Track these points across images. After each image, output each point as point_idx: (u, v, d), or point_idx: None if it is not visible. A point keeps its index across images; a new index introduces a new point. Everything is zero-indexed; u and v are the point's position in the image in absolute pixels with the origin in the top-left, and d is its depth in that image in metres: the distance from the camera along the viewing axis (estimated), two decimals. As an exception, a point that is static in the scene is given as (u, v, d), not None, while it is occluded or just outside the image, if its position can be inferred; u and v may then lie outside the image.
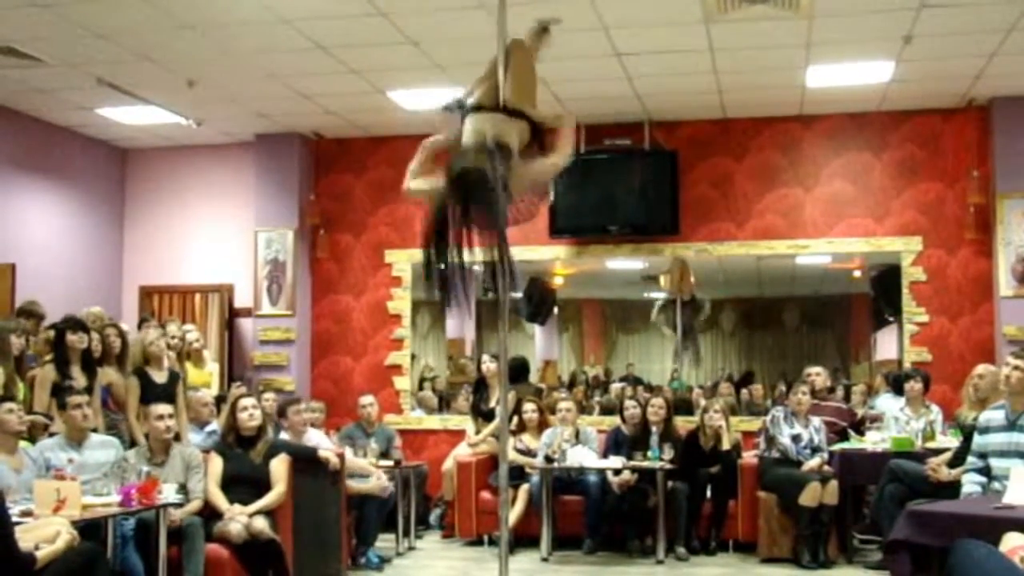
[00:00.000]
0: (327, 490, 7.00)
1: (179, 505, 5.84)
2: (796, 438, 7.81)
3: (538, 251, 9.57)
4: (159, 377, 7.12)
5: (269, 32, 7.12)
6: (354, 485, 7.44)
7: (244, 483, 6.31)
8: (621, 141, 9.47)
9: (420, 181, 4.36)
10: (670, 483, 7.87)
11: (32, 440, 6.01)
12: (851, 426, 8.30)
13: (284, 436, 7.48)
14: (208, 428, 7.63)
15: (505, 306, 4.35)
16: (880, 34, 7.25)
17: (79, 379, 6.66)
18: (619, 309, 10.79)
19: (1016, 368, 5.68)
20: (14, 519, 4.62)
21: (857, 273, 9.73)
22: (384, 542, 7.93)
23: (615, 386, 10.33)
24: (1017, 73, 8.11)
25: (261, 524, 6.04)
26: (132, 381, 7.07)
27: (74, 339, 6.75)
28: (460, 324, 10.51)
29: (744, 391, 10.14)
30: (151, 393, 6.92)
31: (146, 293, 10.43)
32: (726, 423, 8.23)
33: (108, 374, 7.14)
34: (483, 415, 8.83)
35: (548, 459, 8.02)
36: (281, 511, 6.38)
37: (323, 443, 7.55)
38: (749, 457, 8.23)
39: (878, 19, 6.94)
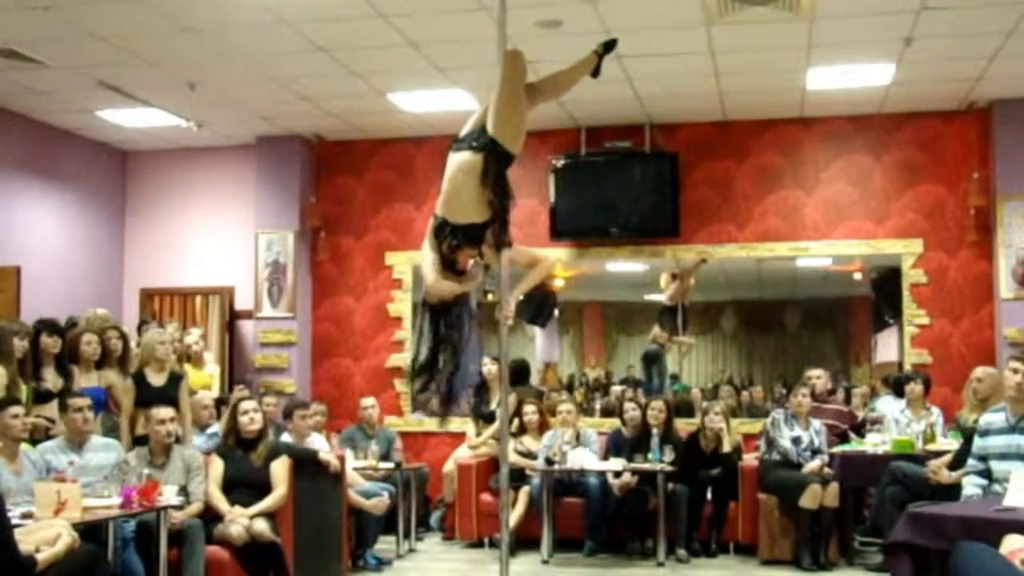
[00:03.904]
0: (328, 493, 7.00)
1: (180, 507, 5.84)
2: (797, 440, 7.81)
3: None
4: (156, 380, 7.10)
5: (270, 35, 7.13)
6: (354, 497, 7.43)
7: (245, 485, 6.33)
8: (622, 143, 9.47)
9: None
10: (670, 485, 7.87)
11: (33, 443, 6.02)
12: (851, 428, 8.30)
13: (286, 438, 7.48)
14: (209, 430, 7.63)
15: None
16: (880, 36, 7.25)
17: (51, 381, 6.67)
18: (620, 311, 10.78)
19: (1013, 370, 5.67)
20: (15, 522, 4.62)
21: (858, 275, 9.73)
22: (384, 544, 7.93)
23: (615, 388, 10.32)
24: (1018, 75, 8.11)
25: (262, 526, 6.05)
26: (128, 384, 7.08)
27: (48, 342, 6.78)
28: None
29: (744, 393, 10.14)
30: (147, 396, 6.92)
31: (147, 295, 10.44)
32: (727, 425, 8.24)
33: (108, 376, 7.15)
34: (484, 417, 8.84)
35: (549, 461, 8.02)
36: (282, 513, 6.39)
37: (322, 448, 7.54)
38: (750, 459, 8.24)
39: (878, 21, 6.95)
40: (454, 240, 4.29)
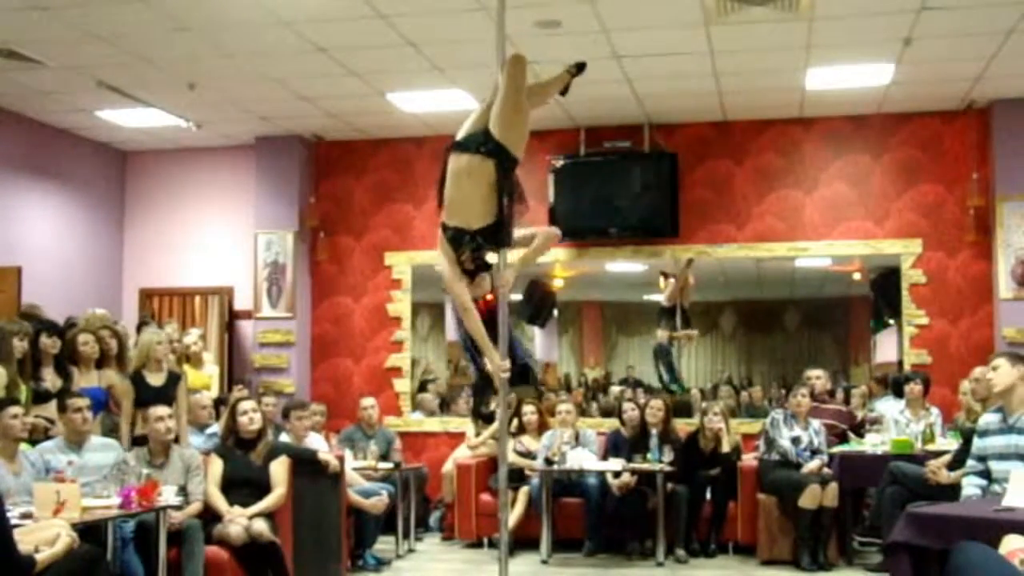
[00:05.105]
0: (327, 493, 7.00)
1: (179, 507, 5.83)
2: (796, 440, 7.81)
3: (538, 253, 9.56)
4: (155, 380, 7.09)
5: (269, 35, 7.13)
6: (354, 497, 7.43)
7: (244, 485, 6.32)
8: (621, 143, 9.48)
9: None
10: (670, 485, 7.87)
11: (32, 443, 6.01)
12: (851, 428, 8.30)
13: (285, 438, 7.48)
14: (208, 430, 7.63)
15: (503, 309, 4.42)
16: (880, 36, 7.26)
17: (50, 381, 6.68)
18: (619, 311, 10.79)
19: (993, 368, 5.64)
20: (14, 522, 4.62)
21: (857, 276, 9.73)
22: (384, 544, 7.94)
23: (614, 388, 10.32)
24: (1017, 75, 8.12)
25: (261, 526, 6.05)
26: (126, 384, 7.07)
27: (48, 343, 6.80)
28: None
29: (744, 393, 10.14)
30: (146, 396, 6.91)
31: (146, 295, 10.44)
32: (726, 425, 8.24)
33: (109, 376, 7.15)
34: (483, 417, 8.84)
35: (548, 461, 8.03)
36: (281, 513, 6.39)
37: (321, 448, 7.54)
38: (749, 459, 8.24)
39: (878, 21, 6.95)
40: (474, 245, 4.26)
